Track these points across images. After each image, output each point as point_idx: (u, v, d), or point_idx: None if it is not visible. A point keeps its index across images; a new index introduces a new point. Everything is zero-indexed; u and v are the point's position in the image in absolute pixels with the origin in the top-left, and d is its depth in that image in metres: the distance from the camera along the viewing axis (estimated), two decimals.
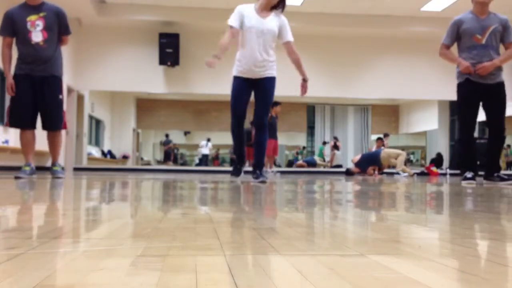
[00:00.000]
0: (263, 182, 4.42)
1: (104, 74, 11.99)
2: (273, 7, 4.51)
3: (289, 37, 4.54)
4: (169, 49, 11.69)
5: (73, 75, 11.31)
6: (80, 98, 12.51)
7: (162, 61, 11.75)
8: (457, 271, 0.74)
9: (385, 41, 12.61)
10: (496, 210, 2.03)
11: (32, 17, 4.62)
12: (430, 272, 0.73)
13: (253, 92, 4.62)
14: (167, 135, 19.50)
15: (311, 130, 18.92)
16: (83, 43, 11.60)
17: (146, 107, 18.03)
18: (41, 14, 4.64)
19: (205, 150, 19.65)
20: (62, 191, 3.13)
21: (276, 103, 9.89)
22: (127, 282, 0.64)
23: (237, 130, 4.65)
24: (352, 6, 11.06)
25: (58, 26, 4.72)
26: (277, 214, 1.68)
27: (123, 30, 12.02)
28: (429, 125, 17.33)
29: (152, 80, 12.20)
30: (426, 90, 12.87)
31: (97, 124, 15.98)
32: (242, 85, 4.55)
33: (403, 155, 10.85)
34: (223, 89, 12.33)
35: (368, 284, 0.65)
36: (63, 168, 5.03)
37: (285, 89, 12.69)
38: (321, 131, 18.53)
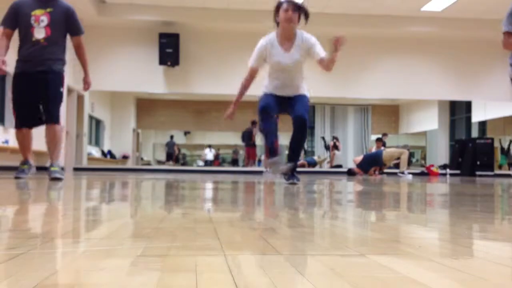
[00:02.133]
0: (294, 183, 4.10)
1: (104, 74, 11.97)
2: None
3: (322, 53, 4.19)
4: (169, 49, 11.68)
5: (73, 75, 11.29)
6: (80, 98, 12.50)
7: (162, 61, 11.75)
8: (457, 271, 0.74)
9: (385, 41, 12.60)
10: (496, 210, 2.03)
11: (38, 12, 4.29)
12: (430, 272, 0.73)
13: (286, 108, 4.29)
14: (171, 137, 19.67)
15: (311, 130, 18.90)
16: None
17: (146, 107, 18.02)
18: (48, 10, 4.31)
19: (209, 156, 19.92)
20: (62, 191, 3.13)
21: None
22: (127, 282, 0.64)
23: (268, 126, 4.23)
24: (352, 6, 11.05)
25: (66, 25, 4.40)
26: (277, 214, 1.68)
27: (123, 30, 12.01)
28: (429, 125, 17.33)
29: (152, 80, 12.19)
30: (426, 90, 12.87)
31: (97, 124, 15.98)
32: (273, 97, 4.24)
33: (405, 153, 10.77)
34: (223, 89, 12.40)
35: (368, 284, 0.65)
36: (62, 169, 4.57)
37: None
38: (321, 131, 18.52)
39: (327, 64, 4.09)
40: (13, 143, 8.79)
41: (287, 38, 4.19)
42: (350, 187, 4.27)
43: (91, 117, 14.52)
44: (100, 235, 1.11)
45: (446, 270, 0.75)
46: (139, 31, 12.01)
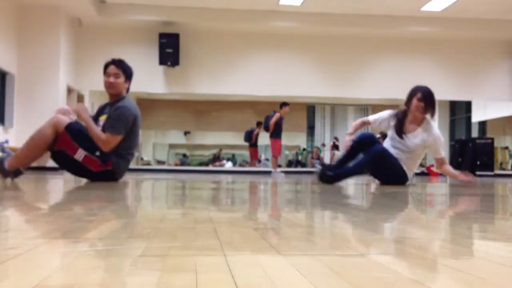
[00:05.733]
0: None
1: None
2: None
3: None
4: (169, 49, 11.68)
5: (73, 75, 11.29)
6: (80, 98, 12.50)
7: (162, 61, 11.75)
8: (457, 271, 0.74)
9: (385, 41, 12.60)
10: (495, 210, 2.03)
11: (102, 117, 4.26)
12: (430, 272, 0.73)
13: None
14: (184, 155, 19.92)
15: (311, 130, 18.91)
16: (83, 43, 11.59)
17: (146, 107, 18.00)
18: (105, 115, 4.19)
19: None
20: (62, 191, 3.13)
21: (285, 104, 10.01)
22: (127, 282, 0.64)
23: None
24: (352, 6, 11.05)
25: None
26: (278, 214, 1.68)
27: (123, 30, 12.01)
28: None
29: (152, 80, 12.19)
30: None
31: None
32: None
33: None
34: (223, 89, 12.41)
35: (368, 284, 0.65)
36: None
37: (286, 89, 12.71)
38: (321, 131, 18.52)
39: (443, 170, 4.54)
40: (14, 143, 8.80)
41: (413, 123, 4.57)
42: (349, 188, 4.27)
43: (91, 117, 14.52)
44: (100, 235, 1.10)
45: (446, 270, 0.75)
46: (139, 31, 12.01)
